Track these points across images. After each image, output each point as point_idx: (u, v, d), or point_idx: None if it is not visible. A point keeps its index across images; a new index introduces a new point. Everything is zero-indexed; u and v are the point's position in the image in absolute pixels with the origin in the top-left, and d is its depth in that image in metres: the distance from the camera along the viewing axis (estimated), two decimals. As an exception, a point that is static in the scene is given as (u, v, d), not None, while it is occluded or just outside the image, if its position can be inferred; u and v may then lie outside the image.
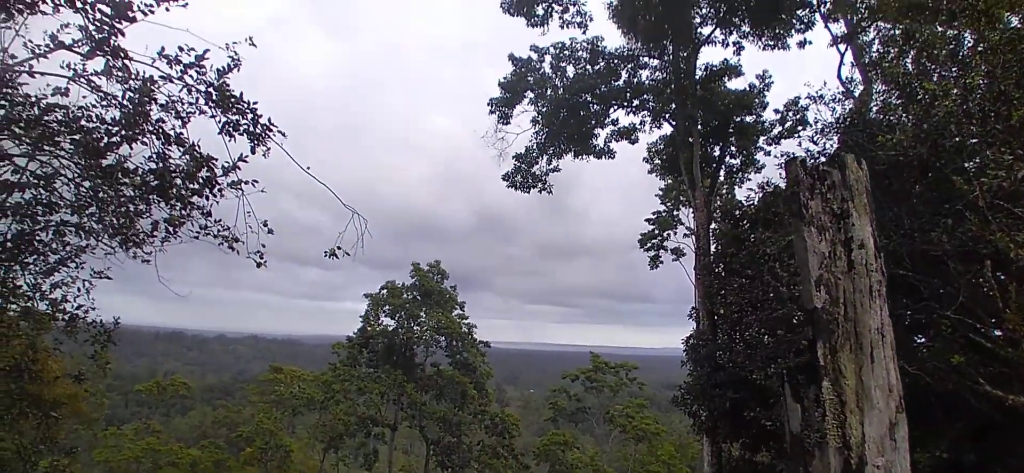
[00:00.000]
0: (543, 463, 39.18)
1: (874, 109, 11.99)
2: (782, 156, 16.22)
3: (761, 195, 17.32)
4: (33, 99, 6.46)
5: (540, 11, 21.96)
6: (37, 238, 7.37)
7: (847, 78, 17.82)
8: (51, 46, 6.32)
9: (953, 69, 9.03)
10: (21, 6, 6.12)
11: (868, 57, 15.75)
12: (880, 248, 3.41)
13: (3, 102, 6.36)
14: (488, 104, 23.29)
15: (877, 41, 13.68)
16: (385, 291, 37.72)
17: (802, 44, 21.13)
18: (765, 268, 14.33)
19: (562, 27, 22.25)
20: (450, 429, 35.36)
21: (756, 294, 15.12)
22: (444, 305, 38.07)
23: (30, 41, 6.29)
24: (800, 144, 18.07)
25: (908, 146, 8.96)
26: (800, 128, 20.58)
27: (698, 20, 21.84)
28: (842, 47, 18.07)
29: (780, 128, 21.86)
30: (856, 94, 15.87)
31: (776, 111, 21.87)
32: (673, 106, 22.24)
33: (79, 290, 7.97)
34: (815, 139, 13.79)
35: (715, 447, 17.93)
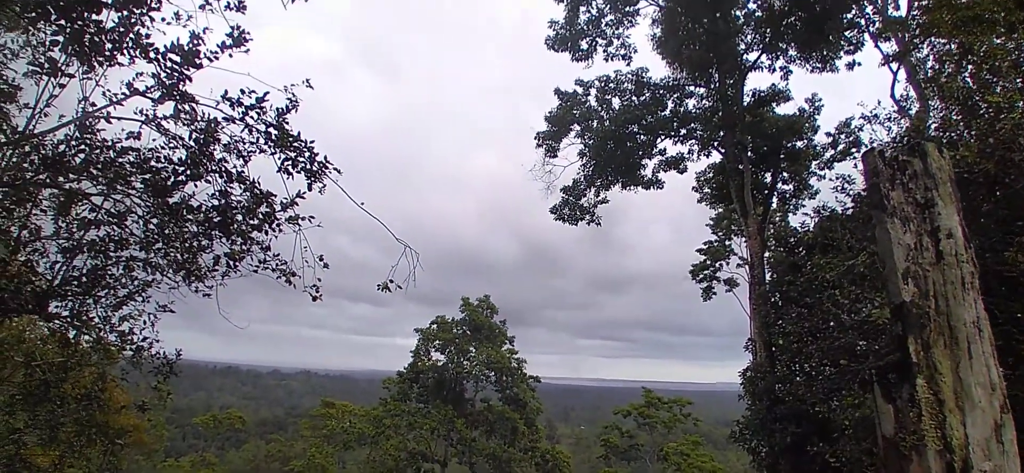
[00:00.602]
0: (596, 502, 38.26)
1: (933, 126, 11.58)
2: (837, 179, 15.76)
3: (817, 220, 16.87)
4: (109, 143, 6.89)
5: (584, 45, 22.28)
6: (109, 273, 7.77)
7: (901, 96, 17.31)
8: (127, 93, 6.72)
9: (1017, 81, 8.68)
10: (101, 59, 6.57)
11: (923, 74, 15.27)
12: (970, 239, 3.22)
13: (84, 146, 6.82)
14: (535, 138, 23.57)
15: (931, 57, 13.26)
16: (435, 326, 38.00)
17: (851, 65, 20.76)
18: (825, 295, 13.86)
19: (606, 60, 22.52)
20: (500, 466, 34.96)
21: (816, 323, 14.63)
22: (494, 340, 38.04)
23: (108, 90, 6.73)
24: (855, 166, 17.55)
25: (973, 162, 8.60)
26: (854, 150, 20.03)
27: (743, 47, 21.73)
28: (894, 66, 17.58)
29: (833, 151, 21.35)
30: (912, 112, 15.37)
31: (828, 134, 21.42)
32: (721, 134, 22.01)
33: (145, 323, 8.35)
34: (871, 160, 13.37)
35: (777, 484, 17.20)
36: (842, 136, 20.81)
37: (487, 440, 36.17)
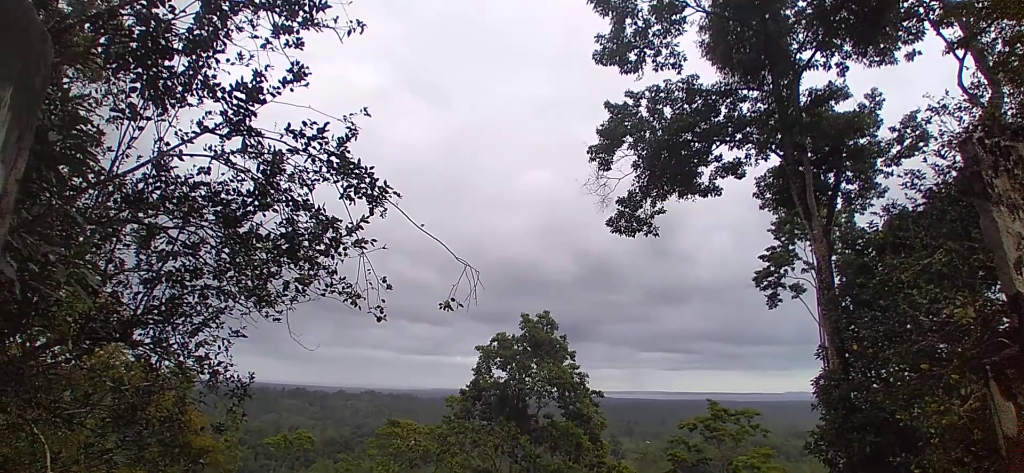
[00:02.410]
0: (665, 519, 37.28)
1: (1009, 112, 10.97)
2: (906, 176, 15.07)
3: (886, 219, 16.21)
4: (183, 179, 7.35)
5: (632, 57, 22.19)
6: (185, 301, 8.22)
7: (971, 84, 16.38)
8: (197, 131, 7.18)
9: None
10: (173, 101, 7.04)
11: (992, 58, 14.41)
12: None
13: (160, 183, 7.30)
14: (588, 152, 23.58)
15: (1000, 41, 12.46)
16: (496, 343, 38.18)
17: (911, 56, 19.88)
18: (900, 296, 13.27)
19: (656, 70, 22.36)
20: (566, 482, 34.65)
21: (891, 326, 14.02)
22: (555, 355, 37.89)
23: (180, 130, 7.19)
24: (925, 160, 16.76)
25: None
26: (922, 144, 19.09)
27: (796, 46, 21.18)
28: (960, 52, 16.65)
29: (899, 147, 20.43)
30: (984, 100, 14.53)
31: (892, 129, 20.55)
32: (779, 136, 21.42)
33: (219, 348, 8.77)
34: (943, 153, 12.77)
35: (856, 497, 16.43)
36: (908, 130, 19.94)
37: (551, 456, 35.95)
